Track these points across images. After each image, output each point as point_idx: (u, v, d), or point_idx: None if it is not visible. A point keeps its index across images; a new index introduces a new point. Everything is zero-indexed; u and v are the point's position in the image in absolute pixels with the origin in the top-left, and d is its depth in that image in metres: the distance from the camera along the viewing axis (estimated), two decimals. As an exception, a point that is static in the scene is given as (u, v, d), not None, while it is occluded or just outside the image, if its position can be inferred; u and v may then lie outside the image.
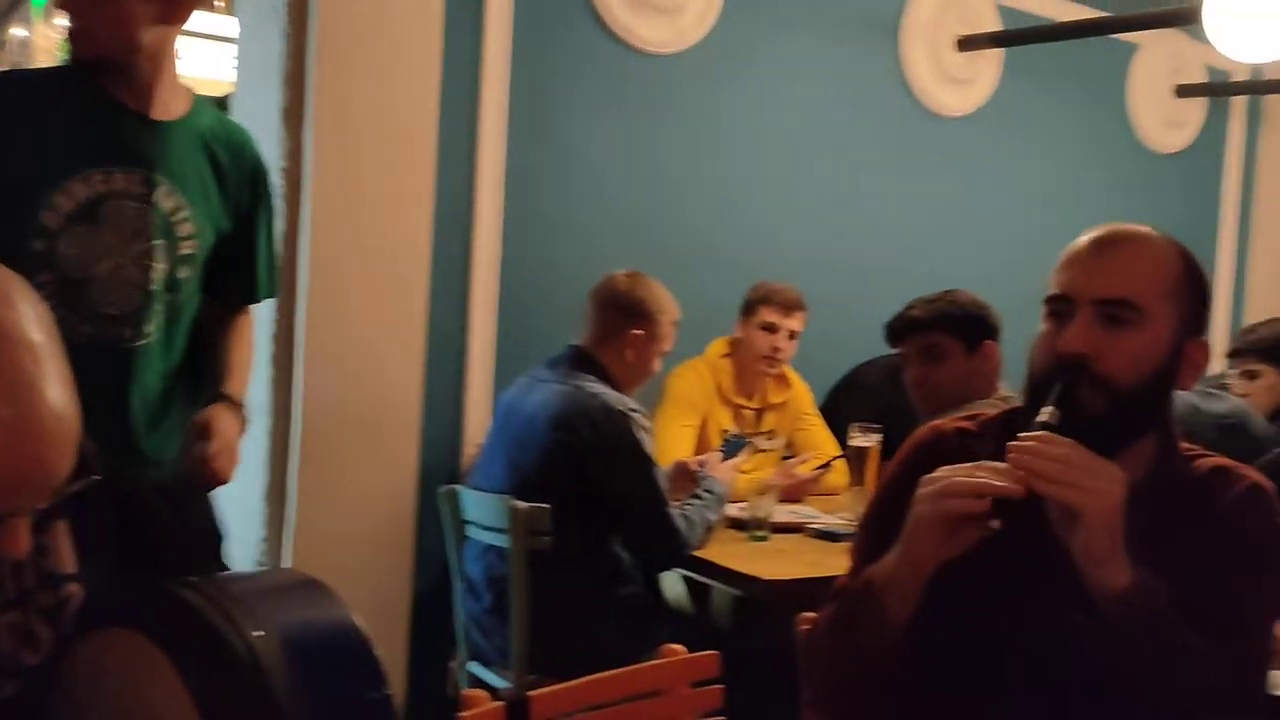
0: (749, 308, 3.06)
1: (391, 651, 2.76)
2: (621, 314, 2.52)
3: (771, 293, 3.04)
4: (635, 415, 2.40)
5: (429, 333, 2.84)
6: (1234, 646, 1.23)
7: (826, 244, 3.59)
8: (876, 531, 1.35)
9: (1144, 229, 1.30)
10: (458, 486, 2.56)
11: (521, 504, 2.28)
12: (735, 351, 3.09)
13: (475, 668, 2.51)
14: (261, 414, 2.55)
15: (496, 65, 2.92)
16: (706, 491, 2.51)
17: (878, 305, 3.61)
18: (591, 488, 2.37)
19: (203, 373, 1.91)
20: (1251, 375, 3.05)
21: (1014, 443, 1.16)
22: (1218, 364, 3.67)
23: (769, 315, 3.02)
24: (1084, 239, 1.29)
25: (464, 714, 1.25)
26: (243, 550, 2.66)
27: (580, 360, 2.50)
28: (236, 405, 1.86)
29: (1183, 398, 2.77)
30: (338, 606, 0.95)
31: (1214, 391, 2.93)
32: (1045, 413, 1.18)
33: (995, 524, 1.12)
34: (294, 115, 2.66)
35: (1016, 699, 1.28)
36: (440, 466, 2.87)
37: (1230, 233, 4.59)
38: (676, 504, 2.43)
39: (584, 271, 2.73)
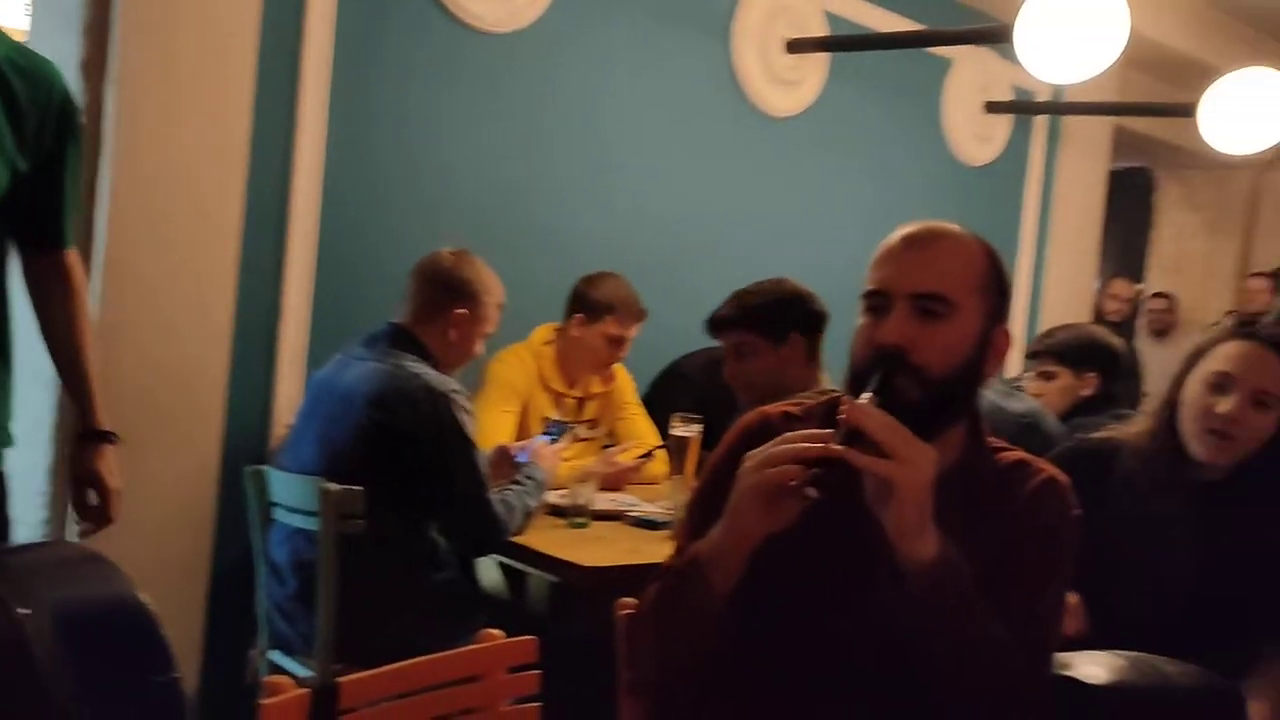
0: (593, 310, 2.98)
1: (185, 639, 2.60)
2: (445, 292, 2.45)
3: (622, 303, 2.98)
4: (457, 397, 2.33)
5: (238, 306, 2.69)
6: (1029, 631, 1.29)
7: (653, 236, 3.61)
8: (702, 513, 1.38)
9: (952, 226, 1.36)
10: (264, 467, 2.44)
11: (333, 485, 2.18)
12: (563, 342, 3.05)
13: (277, 656, 2.40)
14: (48, 387, 2.37)
15: (319, 29, 2.79)
16: (527, 477, 2.47)
17: (700, 298, 3.64)
18: (409, 470, 2.29)
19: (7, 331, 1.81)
20: (1048, 376, 3.21)
21: (843, 405, 1.23)
22: (1016, 366, 3.87)
23: (616, 328, 2.98)
24: (897, 236, 1.35)
25: (266, 701, 1.17)
26: (25, 532, 2.46)
27: (400, 338, 2.42)
28: (110, 437, 1.90)
29: (986, 396, 2.89)
30: (122, 583, 0.88)
31: (1013, 391, 3.07)
32: (865, 398, 1.23)
33: (812, 492, 1.17)
34: (94, 68, 2.47)
35: (831, 670, 1.32)
36: (247, 446, 2.73)
37: (1030, 242, 4.86)
38: (496, 489, 2.38)
39: (407, 249, 2.64)
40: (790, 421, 1.43)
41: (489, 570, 2.61)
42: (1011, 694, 1.27)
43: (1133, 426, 1.97)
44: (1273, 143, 3.91)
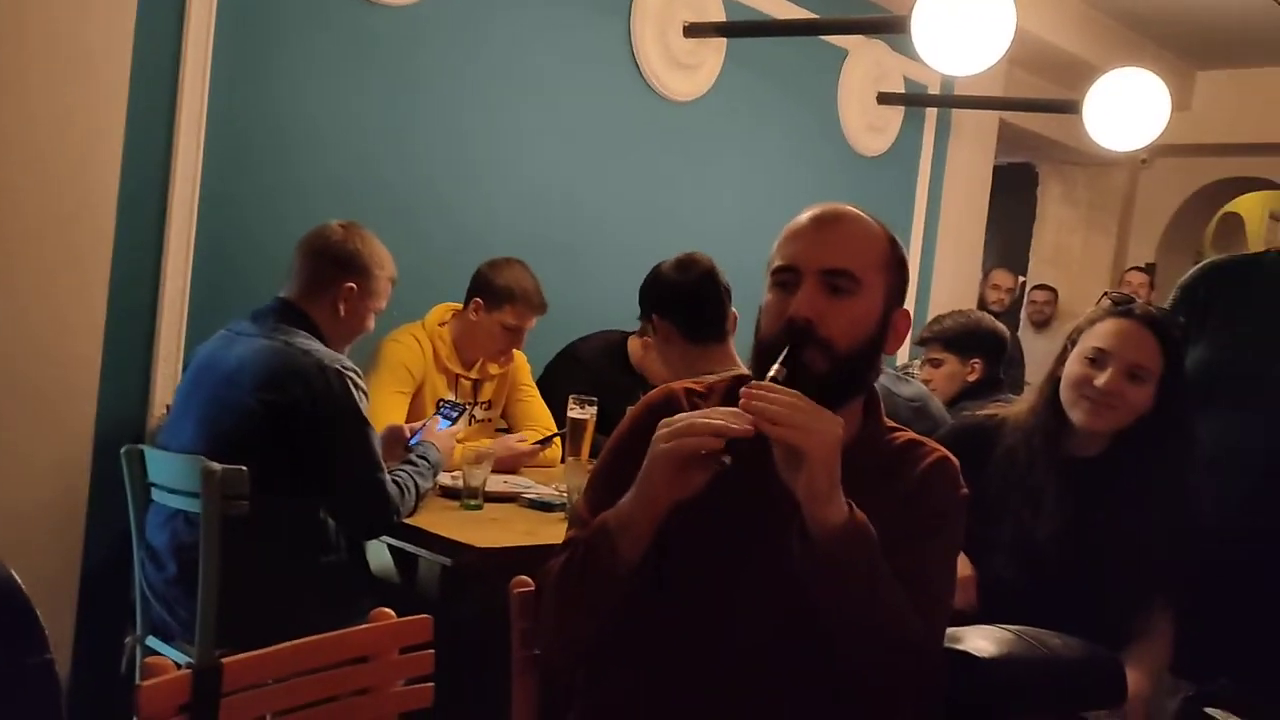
0: (493, 297, 2.91)
1: (57, 626, 2.49)
2: (334, 265, 2.38)
3: (524, 294, 2.91)
4: (350, 374, 2.27)
5: (113, 284, 2.58)
6: (921, 604, 1.32)
7: (550, 216, 3.58)
8: (606, 487, 1.39)
9: (855, 209, 1.42)
10: (143, 446, 2.34)
11: (216, 466, 2.10)
12: (460, 324, 2.98)
13: (155, 643, 2.31)
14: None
15: (200, 8, 2.68)
16: (420, 458, 2.42)
17: (597, 280, 3.66)
18: (299, 450, 2.22)
19: None
20: (936, 363, 3.29)
21: (745, 389, 1.24)
22: (905, 354, 3.94)
23: (513, 319, 2.92)
24: (805, 216, 1.40)
25: (145, 684, 1.12)
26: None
27: (288, 313, 2.34)
28: None
29: (879, 381, 2.95)
30: (-11, 563, 0.82)
31: (903, 377, 3.13)
32: (773, 370, 1.27)
33: (727, 460, 1.19)
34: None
35: (736, 636, 1.34)
36: (125, 426, 2.62)
37: (920, 231, 4.96)
38: (388, 470, 2.33)
39: (295, 224, 2.55)
40: (694, 397, 1.46)
41: (378, 553, 2.56)
42: (911, 657, 1.30)
43: (1016, 405, 2.04)
44: (1150, 140, 4.06)
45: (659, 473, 1.23)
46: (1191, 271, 2.26)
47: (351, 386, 2.25)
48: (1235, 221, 8.21)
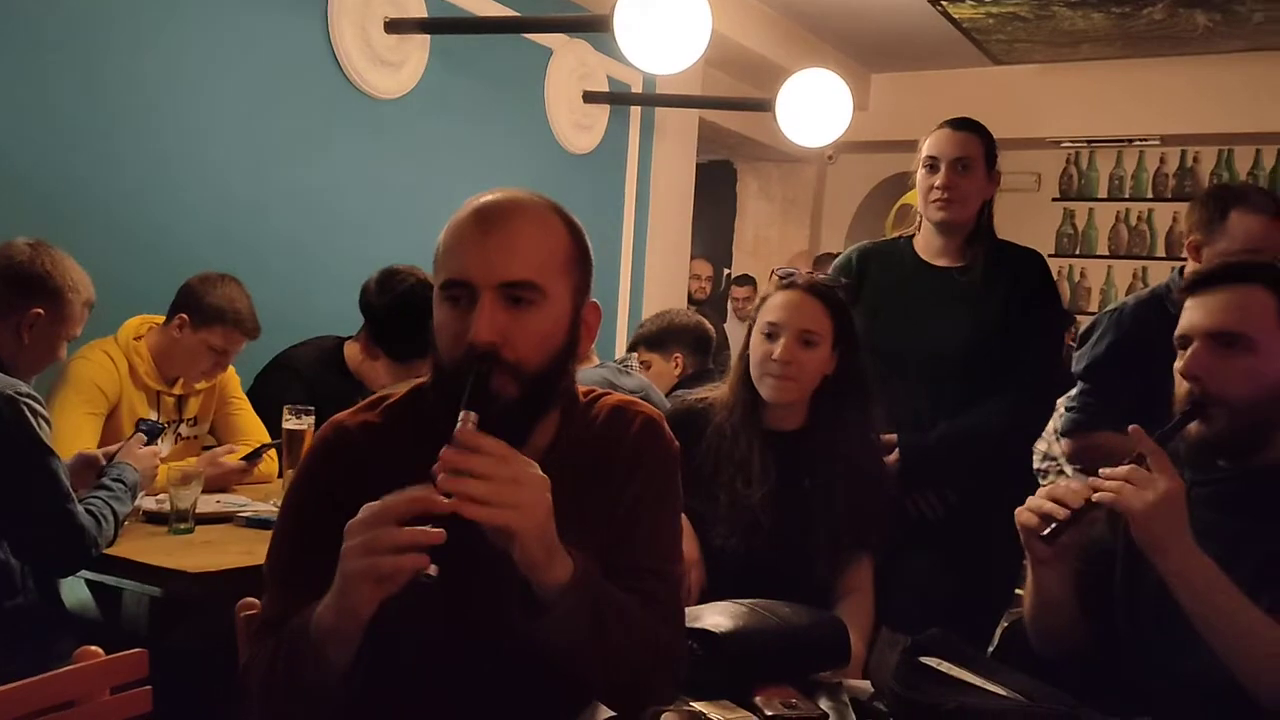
0: (202, 315, 2.70)
1: None
2: (19, 289, 2.16)
3: (236, 316, 2.71)
4: (25, 400, 2.04)
5: None
6: (659, 575, 1.33)
7: (253, 221, 3.39)
8: (295, 546, 1.28)
9: (523, 195, 1.27)
10: None
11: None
12: (160, 338, 2.75)
13: None
14: None
15: None
16: (115, 480, 2.22)
17: (304, 286, 3.51)
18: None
19: None
20: (646, 365, 3.39)
21: (439, 465, 1.08)
22: (623, 347, 4.02)
23: (222, 340, 2.72)
24: (468, 213, 1.25)
25: None
26: None
27: (-43, 338, 2.09)
28: None
29: (600, 374, 3.00)
30: None
31: (625, 370, 3.19)
32: (462, 417, 1.12)
33: (432, 571, 1.05)
34: None
35: (470, 702, 1.27)
36: None
37: (631, 227, 5.08)
38: (80, 499, 2.12)
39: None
40: (370, 432, 1.31)
41: (74, 589, 2.33)
42: (664, 668, 1.30)
43: (720, 388, 2.18)
44: (836, 137, 4.34)
45: (355, 590, 1.07)
46: (843, 254, 2.66)
47: (27, 413, 2.03)
48: (909, 212, 8.92)
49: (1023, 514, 1.53)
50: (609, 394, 1.41)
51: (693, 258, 6.83)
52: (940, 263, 2.50)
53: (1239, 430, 1.54)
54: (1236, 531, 1.52)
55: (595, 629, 1.19)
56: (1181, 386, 1.58)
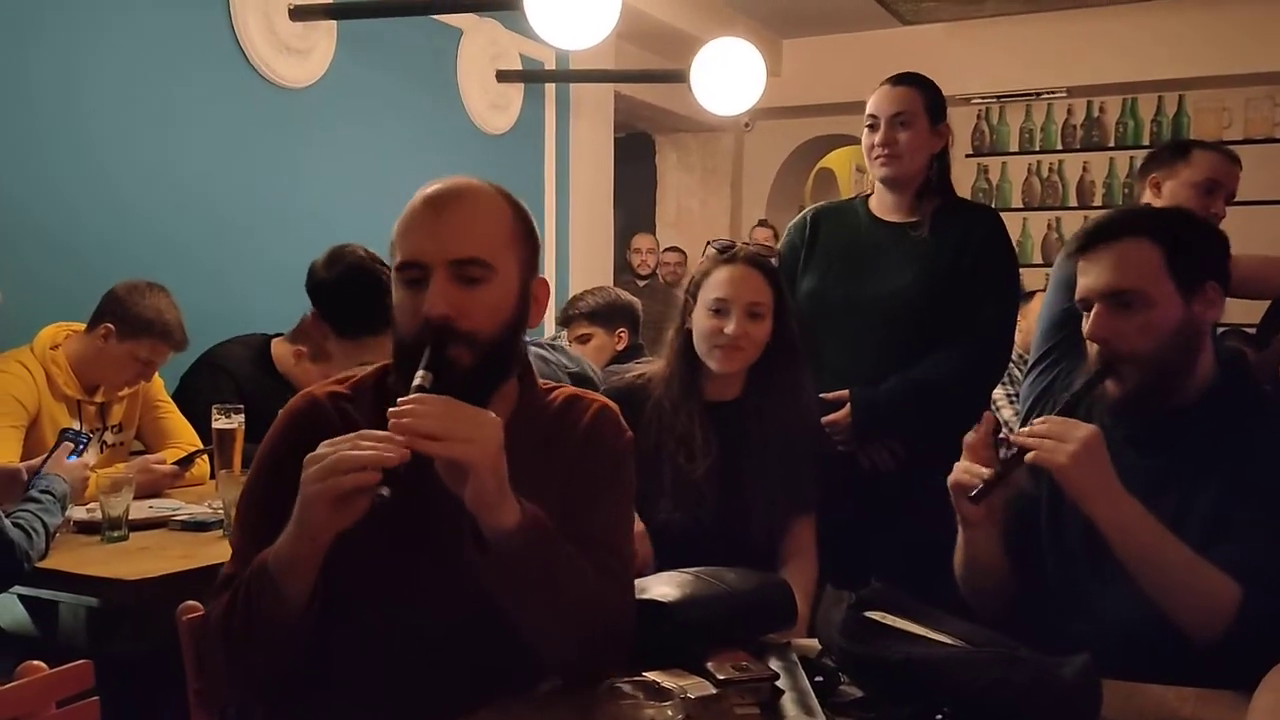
0: (129, 325, 2.62)
1: None
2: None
3: (164, 329, 2.64)
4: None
5: None
6: (611, 549, 1.36)
7: (158, 220, 3.30)
8: (259, 510, 1.31)
9: (471, 181, 1.34)
10: None
11: None
12: (81, 346, 2.67)
13: None
14: None
15: None
16: (43, 492, 2.17)
17: (223, 281, 3.44)
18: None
19: None
20: (585, 339, 3.39)
21: (393, 409, 1.17)
22: (551, 325, 4.01)
23: (148, 352, 2.65)
24: (419, 201, 1.32)
25: None
26: None
27: None
28: None
29: (534, 352, 2.99)
30: None
31: (558, 348, 3.19)
32: (419, 376, 1.21)
33: (385, 492, 1.12)
34: None
35: (423, 653, 1.30)
36: None
37: (553, 205, 5.06)
38: (6, 514, 2.07)
39: None
40: (340, 401, 1.39)
41: (8, 607, 2.28)
42: (610, 635, 1.32)
43: (656, 363, 2.19)
44: (751, 104, 4.36)
45: (313, 513, 1.14)
46: (798, 216, 2.65)
47: None
48: (828, 175, 9.02)
49: (953, 476, 1.57)
50: (564, 386, 1.48)
51: (631, 232, 6.87)
52: (893, 218, 2.51)
53: (1150, 382, 1.58)
54: (1156, 471, 1.58)
55: (544, 578, 1.23)
56: (1092, 348, 1.62)
